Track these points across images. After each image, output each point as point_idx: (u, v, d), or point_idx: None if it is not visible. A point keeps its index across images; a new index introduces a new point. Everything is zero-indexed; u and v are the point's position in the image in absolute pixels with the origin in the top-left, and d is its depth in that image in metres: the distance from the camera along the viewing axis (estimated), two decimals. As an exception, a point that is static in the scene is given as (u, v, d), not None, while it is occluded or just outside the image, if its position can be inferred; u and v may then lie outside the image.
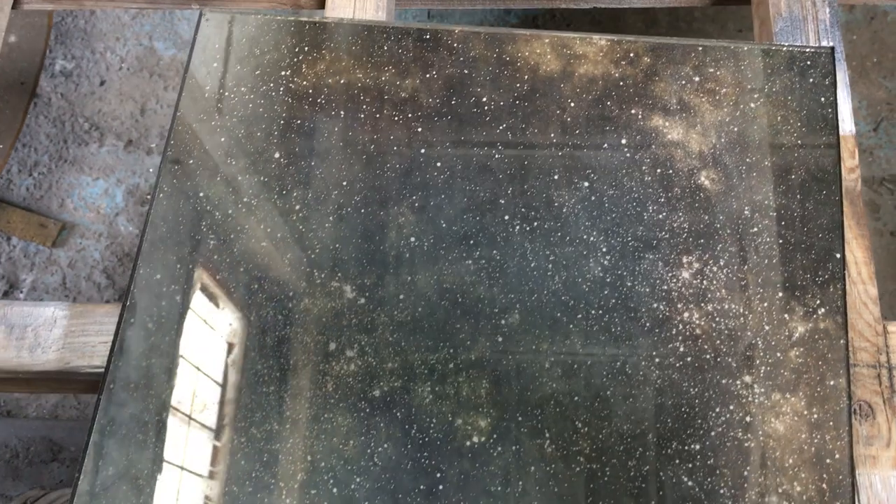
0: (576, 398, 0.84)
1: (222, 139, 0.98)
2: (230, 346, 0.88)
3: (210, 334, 0.89)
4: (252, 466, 0.83)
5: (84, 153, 2.25)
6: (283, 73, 1.01)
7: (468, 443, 0.83)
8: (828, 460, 0.79)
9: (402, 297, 0.89)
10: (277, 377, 0.86)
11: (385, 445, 0.83)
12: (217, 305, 0.90)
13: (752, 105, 0.95)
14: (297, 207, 0.94)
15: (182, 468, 0.83)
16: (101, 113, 2.28)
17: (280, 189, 0.95)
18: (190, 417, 0.85)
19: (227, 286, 0.91)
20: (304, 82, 1.00)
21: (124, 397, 0.86)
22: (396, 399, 0.85)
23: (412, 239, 0.92)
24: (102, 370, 0.87)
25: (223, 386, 0.86)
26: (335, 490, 0.82)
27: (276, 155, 0.97)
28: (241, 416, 0.85)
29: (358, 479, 0.82)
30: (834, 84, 0.94)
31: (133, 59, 2.37)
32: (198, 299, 0.90)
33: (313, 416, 0.85)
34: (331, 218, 0.93)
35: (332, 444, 0.83)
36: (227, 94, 1.00)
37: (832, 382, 0.82)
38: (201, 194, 0.95)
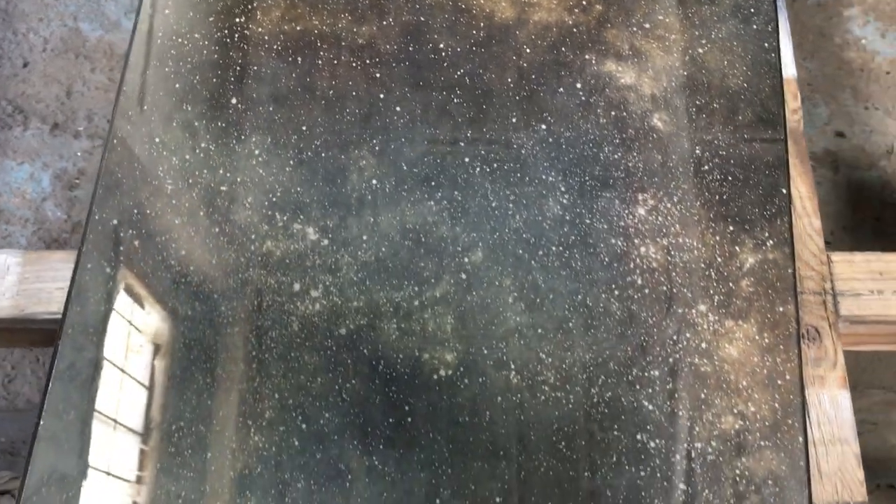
0: (539, 331, 0.85)
1: (177, 85, 0.96)
2: (193, 288, 0.87)
3: (168, 278, 0.87)
4: (219, 406, 0.83)
5: (7, 137, 2.17)
6: (237, 19, 1.00)
7: (435, 376, 0.84)
8: (779, 381, 0.83)
9: (365, 237, 0.90)
10: (242, 318, 0.86)
11: (353, 381, 0.84)
12: (178, 248, 0.89)
13: (700, 50, 0.99)
14: (257, 152, 0.93)
15: (145, 415, 0.82)
16: (24, 95, 2.20)
17: (238, 134, 0.94)
18: (152, 358, 0.84)
19: (187, 230, 0.90)
20: (260, 29, 0.99)
21: (83, 342, 0.84)
22: (363, 336, 0.85)
23: (374, 181, 0.92)
24: (59, 316, 0.85)
25: (185, 326, 0.85)
26: (304, 426, 0.82)
27: (234, 101, 0.96)
28: (206, 357, 0.84)
29: (327, 415, 0.82)
30: (776, 30, 0.99)
31: (57, 41, 2.30)
32: (156, 244, 0.89)
33: (279, 355, 0.84)
34: (291, 162, 0.93)
35: (299, 382, 0.84)
36: (180, 40, 0.99)
37: (781, 309, 0.86)
38: (157, 140, 0.94)
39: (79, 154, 2.16)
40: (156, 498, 0.79)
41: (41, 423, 0.80)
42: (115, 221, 0.90)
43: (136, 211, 0.90)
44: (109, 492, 0.79)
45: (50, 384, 0.82)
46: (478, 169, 0.93)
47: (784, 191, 0.91)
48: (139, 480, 0.80)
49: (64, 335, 0.84)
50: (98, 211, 0.90)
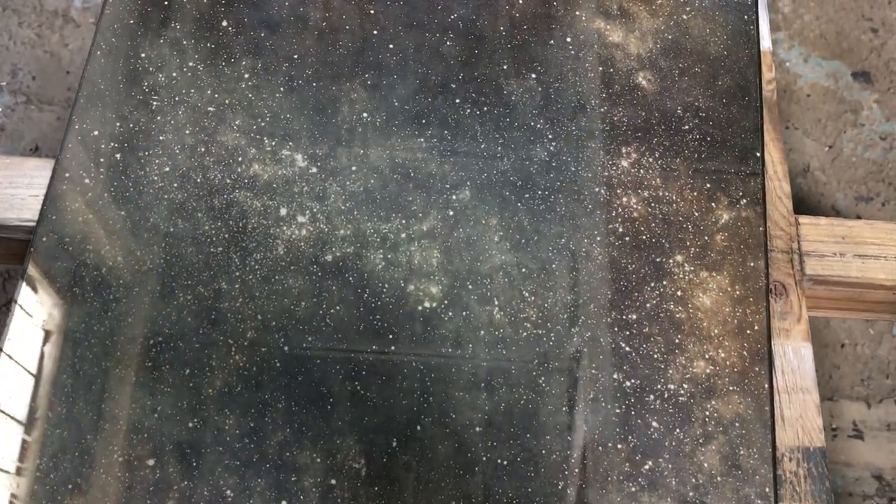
0: (523, 270, 0.87)
1: (166, 2, 0.94)
2: (176, 205, 0.85)
3: (150, 193, 0.85)
4: (199, 324, 0.81)
5: (-77, 90, 2.06)
6: (230, -57, 0.98)
7: (420, 307, 0.84)
8: (748, 331, 0.87)
9: (354, 168, 0.89)
10: (226, 238, 0.84)
11: (337, 308, 0.83)
12: (161, 164, 0.86)
13: (685, 17, 1.02)
14: (247, 76, 0.92)
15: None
16: (-56, 47, 2.10)
17: (228, 57, 0.92)
18: (136, 272, 0.82)
19: (171, 147, 0.87)
20: (254, -45, 0.98)
21: (58, 252, 0.81)
22: (349, 264, 0.85)
23: (364, 115, 0.92)
24: (33, 224, 0.82)
25: (167, 243, 0.83)
26: (286, 348, 0.81)
27: (224, 23, 0.94)
28: (187, 275, 0.82)
29: (310, 339, 0.82)
30: (756, 4, 1.03)
31: (-17, -7, 2.20)
32: (138, 158, 0.86)
33: (263, 277, 0.83)
34: (281, 89, 0.92)
35: (283, 305, 0.83)
36: (169, -42, 0.96)
37: (752, 264, 0.89)
38: (143, 55, 0.91)
39: (0, 109, 2.07)
40: (132, 412, 0.77)
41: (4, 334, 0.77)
42: (95, 132, 0.87)
43: (118, 124, 0.87)
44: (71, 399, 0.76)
45: (19, 290, 0.79)
46: (468, 111, 0.93)
47: (758, 154, 0.95)
48: (106, 393, 0.77)
49: (38, 242, 0.81)
50: (78, 120, 0.86)
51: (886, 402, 1.74)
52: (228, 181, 0.87)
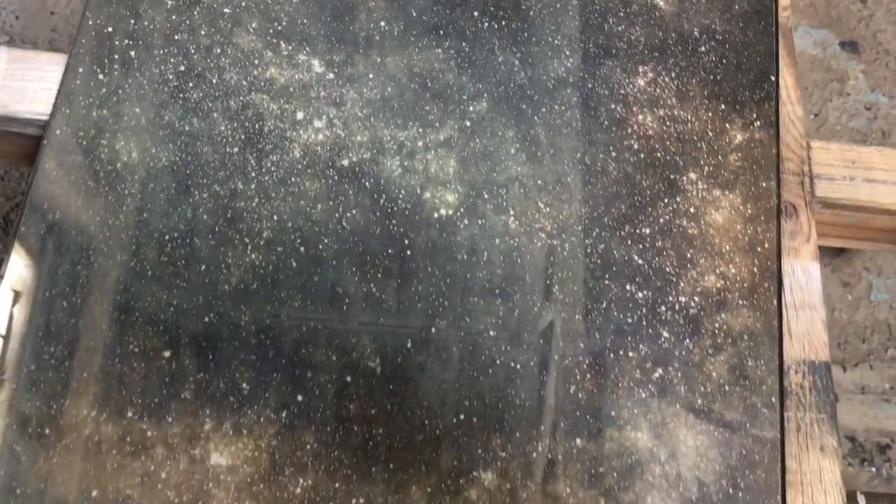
0: (539, 182, 0.87)
1: None
2: (191, 104, 0.84)
3: (165, 92, 0.84)
4: (215, 221, 0.80)
5: None
6: None
7: (436, 214, 0.84)
8: (758, 248, 0.87)
9: (371, 76, 0.89)
10: (242, 139, 0.84)
11: (353, 211, 0.83)
12: (176, 63, 0.85)
13: (703, -59, 1.01)
14: (263, -20, 0.91)
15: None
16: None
17: (244, -40, 0.91)
18: (151, 169, 0.81)
19: (186, 46, 0.86)
20: None
21: (71, 145, 0.80)
22: (365, 170, 0.85)
23: (382, 23, 0.91)
24: (45, 117, 0.81)
25: (182, 141, 0.83)
26: (302, 249, 0.81)
27: (240, -74, 0.92)
28: (203, 174, 0.82)
29: (326, 241, 0.81)
30: (774, -69, 1.03)
31: None
32: (153, 56, 0.85)
33: (280, 179, 0.83)
34: (298, -6, 0.91)
35: (299, 207, 0.82)
36: None
37: (764, 184, 0.90)
38: (157, -46, 0.89)
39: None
40: (147, 304, 0.77)
41: (19, 226, 0.76)
42: (109, 28, 0.85)
43: (132, 21, 0.86)
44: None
45: (32, 183, 0.78)
46: (486, 24, 0.93)
47: (773, 78, 0.95)
48: (121, 285, 0.77)
49: (51, 135, 0.80)
50: (92, 16, 0.85)
51: (862, 366, 1.78)
52: (244, 83, 0.86)
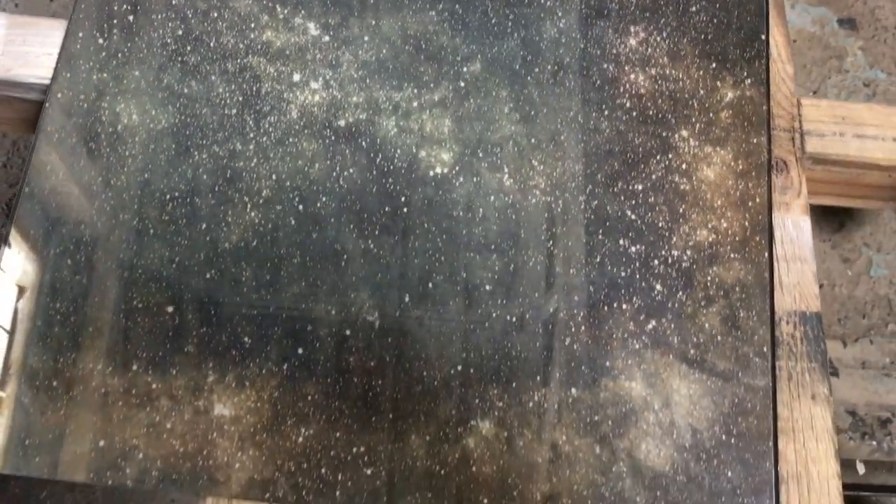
0: (532, 140, 0.88)
1: None
2: (190, 67, 0.85)
3: (164, 55, 0.85)
4: (215, 181, 0.82)
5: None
6: None
7: (431, 173, 0.86)
8: (749, 203, 0.89)
9: (366, 38, 0.90)
10: (240, 100, 0.85)
11: (350, 170, 0.84)
12: (174, 27, 0.87)
13: None
14: (258, -55, 0.92)
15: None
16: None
17: (239, -74, 0.92)
18: (151, 130, 0.82)
19: (184, 11, 0.88)
20: None
21: (72, 108, 0.82)
22: (361, 130, 0.86)
23: (376, -13, 0.92)
24: (47, 81, 0.82)
25: (181, 103, 0.84)
26: (301, 207, 0.82)
27: None
28: (202, 135, 0.83)
29: (324, 199, 0.83)
30: None
31: None
32: (151, 21, 0.86)
33: (278, 139, 0.84)
34: (293, -41, 0.92)
35: (297, 166, 0.84)
36: None
37: (755, 140, 0.91)
38: (154, -79, 0.91)
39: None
40: (149, 262, 0.78)
41: (23, 188, 0.78)
42: (108, -6, 0.87)
43: (130, -13, 0.87)
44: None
45: (35, 146, 0.80)
46: (479, -13, 0.94)
47: (763, 36, 0.96)
48: (124, 243, 0.79)
49: (53, 98, 0.81)
50: (90, -18, 0.86)
51: (862, 341, 1.79)
52: (241, 46, 0.87)
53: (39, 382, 0.73)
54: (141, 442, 0.73)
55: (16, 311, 0.75)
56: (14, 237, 0.77)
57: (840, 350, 1.78)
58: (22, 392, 0.73)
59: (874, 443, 1.74)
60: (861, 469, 1.55)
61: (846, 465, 1.53)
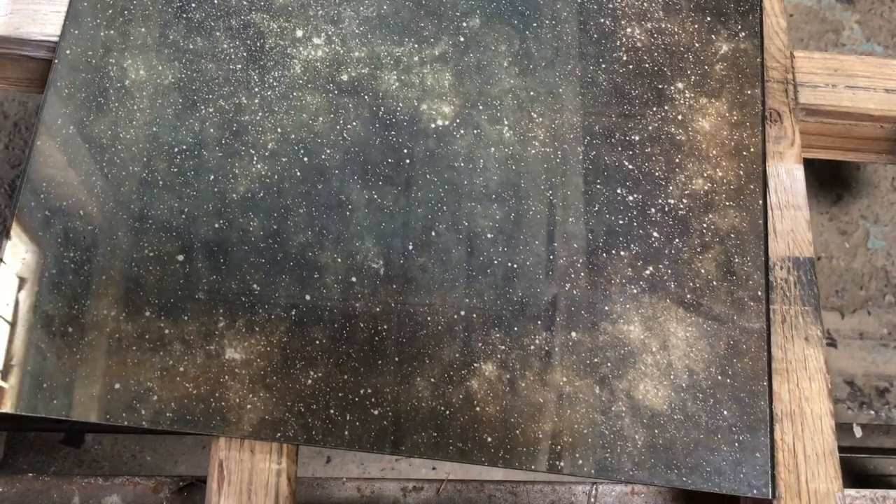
0: (531, 93, 0.90)
1: None
2: (195, 24, 0.87)
3: (173, 10, 0.87)
4: (222, 134, 0.84)
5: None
6: None
7: (433, 125, 0.87)
8: (744, 153, 0.91)
9: (367, -6, 0.92)
10: (244, 56, 0.87)
11: (353, 123, 0.86)
12: (178, -14, 0.88)
13: None
14: None
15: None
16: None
17: None
18: (158, 85, 0.84)
19: (188, -30, 0.89)
20: None
21: (81, 63, 0.83)
22: (364, 84, 0.88)
23: (376, -56, 0.94)
24: (55, 39, 0.84)
25: (187, 59, 0.86)
26: (306, 159, 0.84)
27: None
28: (208, 90, 0.85)
29: (328, 151, 0.85)
30: None
31: None
32: (156, -20, 0.88)
33: (282, 94, 0.86)
34: (293, -83, 0.93)
35: (301, 120, 0.86)
36: None
37: (749, 92, 0.93)
38: None
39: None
40: (158, 213, 0.80)
41: (34, 142, 0.80)
42: (112, -47, 0.88)
43: (134, -54, 0.89)
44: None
45: (45, 101, 0.81)
46: (477, -56, 0.95)
47: (757, -9, 0.98)
48: (134, 194, 0.81)
49: (61, 55, 0.83)
50: (95, -59, 0.88)
51: (860, 312, 1.82)
52: (245, 3, 0.89)
53: (55, 328, 0.76)
54: (155, 384, 0.76)
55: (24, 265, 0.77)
56: (24, 194, 0.79)
57: (838, 321, 1.80)
58: (38, 338, 0.75)
59: (872, 412, 1.78)
60: (858, 432, 1.58)
61: (843, 428, 1.56)
